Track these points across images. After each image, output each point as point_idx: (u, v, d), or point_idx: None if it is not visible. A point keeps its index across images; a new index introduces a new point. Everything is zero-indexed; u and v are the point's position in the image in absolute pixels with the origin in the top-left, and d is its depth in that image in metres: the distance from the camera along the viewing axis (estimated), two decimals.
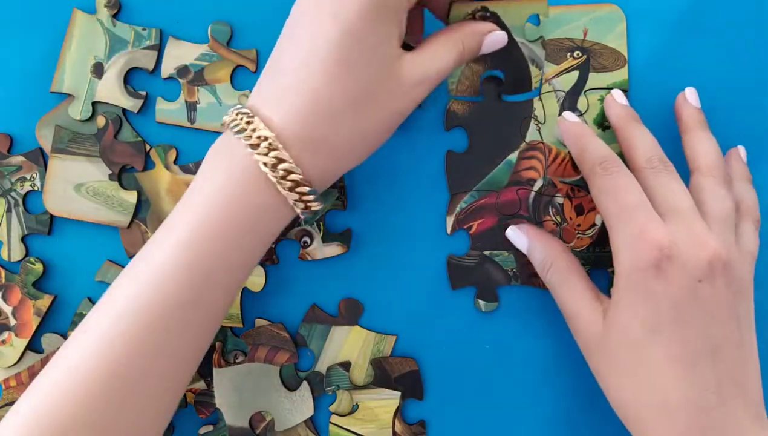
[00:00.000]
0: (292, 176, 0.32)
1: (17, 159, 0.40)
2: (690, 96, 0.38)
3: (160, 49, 0.41)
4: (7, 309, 0.40)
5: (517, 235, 0.39)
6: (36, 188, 0.40)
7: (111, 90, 0.40)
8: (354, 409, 0.39)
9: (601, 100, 0.40)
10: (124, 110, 0.41)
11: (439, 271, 0.40)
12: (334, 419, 0.40)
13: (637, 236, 0.33)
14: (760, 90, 0.40)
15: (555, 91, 0.40)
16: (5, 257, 0.40)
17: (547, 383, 0.40)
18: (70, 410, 0.30)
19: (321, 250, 0.40)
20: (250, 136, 0.31)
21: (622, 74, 0.40)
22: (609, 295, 0.35)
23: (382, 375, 0.40)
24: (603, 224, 0.39)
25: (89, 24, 0.41)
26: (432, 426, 0.40)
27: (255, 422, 0.39)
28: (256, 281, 0.40)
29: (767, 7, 0.40)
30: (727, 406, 0.31)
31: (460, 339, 0.40)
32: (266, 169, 0.31)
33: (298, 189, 0.32)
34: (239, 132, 0.32)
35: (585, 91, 0.40)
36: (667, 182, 0.35)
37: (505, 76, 0.40)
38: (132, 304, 0.31)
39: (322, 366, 0.40)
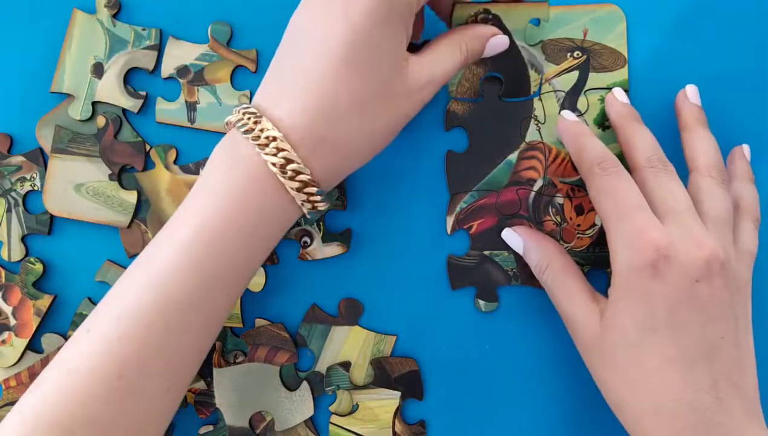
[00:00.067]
0: (301, 177, 0.32)
1: (17, 159, 0.40)
2: (691, 93, 0.38)
3: (160, 49, 0.41)
4: (7, 309, 0.40)
5: (512, 236, 0.39)
6: (36, 188, 0.40)
7: (111, 90, 0.40)
8: (354, 409, 0.40)
9: (601, 100, 0.40)
10: (124, 110, 0.41)
11: (439, 271, 0.40)
12: (334, 419, 0.40)
13: (634, 236, 0.33)
14: (760, 90, 0.40)
15: (555, 91, 0.40)
16: (5, 257, 0.40)
17: (547, 383, 0.40)
18: (71, 409, 0.30)
19: (321, 250, 0.40)
20: (258, 137, 0.31)
21: (622, 74, 0.40)
22: (607, 295, 0.35)
23: (382, 375, 0.40)
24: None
25: (89, 24, 0.41)
26: (432, 426, 0.40)
27: (255, 422, 0.39)
28: (256, 280, 0.40)
29: (767, 7, 0.40)
30: (724, 406, 0.31)
31: (460, 339, 0.40)
32: (275, 170, 0.31)
33: (306, 189, 0.32)
34: (247, 132, 0.32)
35: (585, 91, 0.40)
36: (666, 183, 0.35)
37: (505, 79, 0.40)
38: (133, 305, 0.31)
39: (322, 366, 0.40)
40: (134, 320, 0.31)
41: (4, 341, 0.39)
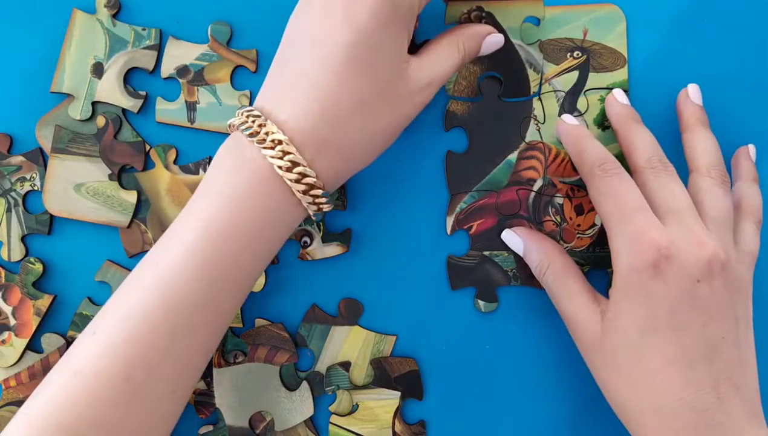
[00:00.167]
0: (307, 179, 0.32)
1: (17, 159, 0.41)
2: (692, 93, 0.38)
3: (159, 49, 0.41)
4: (7, 309, 0.40)
5: (512, 237, 0.39)
6: (36, 188, 0.40)
7: (111, 90, 0.40)
8: (354, 409, 0.40)
9: (601, 100, 0.40)
10: (124, 110, 0.41)
11: (439, 271, 0.40)
12: (333, 419, 0.40)
13: (635, 237, 0.33)
14: (760, 90, 0.40)
15: (555, 91, 0.40)
16: (5, 257, 0.40)
17: (547, 383, 0.40)
18: (77, 411, 0.30)
19: (321, 250, 0.40)
20: (264, 140, 0.31)
21: (621, 74, 0.40)
22: (608, 295, 0.35)
23: (381, 375, 0.40)
24: (603, 224, 0.39)
25: (89, 24, 0.41)
26: (432, 426, 0.40)
27: (255, 422, 0.39)
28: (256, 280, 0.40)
29: (767, 7, 0.40)
30: (725, 406, 0.31)
31: (460, 339, 0.40)
32: (281, 173, 0.31)
33: (312, 192, 0.32)
34: (251, 135, 0.32)
35: (585, 91, 0.40)
36: (666, 183, 0.35)
37: (504, 79, 0.40)
38: (139, 307, 0.31)
39: (321, 366, 0.40)
40: (140, 322, 0.31)
41: (3, 341, 0.39)
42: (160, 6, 0.41)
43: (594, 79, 0.40)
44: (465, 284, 0.40)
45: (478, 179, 0.40)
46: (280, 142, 0.31)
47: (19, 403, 0.39)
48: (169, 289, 0.31)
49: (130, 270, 0.40)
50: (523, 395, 0.40)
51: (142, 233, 0.40)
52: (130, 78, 0.41)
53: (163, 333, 0.31)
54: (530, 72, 0.40)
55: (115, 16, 0.41)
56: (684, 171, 0.37)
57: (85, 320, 0.40)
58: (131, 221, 0.40)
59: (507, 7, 0.40)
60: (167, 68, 0.41)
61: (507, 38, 0.40)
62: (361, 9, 0.32)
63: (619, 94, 0.39)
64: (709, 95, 0.39)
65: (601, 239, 0.40)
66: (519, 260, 0.39)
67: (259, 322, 0.40)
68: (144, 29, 0.41)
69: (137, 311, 0.31)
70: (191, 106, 0.40)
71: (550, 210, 0.40)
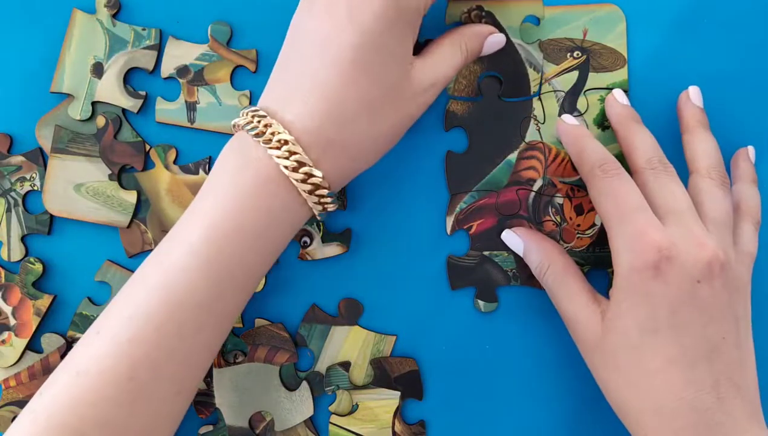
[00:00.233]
0: (313, 180, 0.32)
1: (17, 159, 0.40)
2: (693, 95, 0.38)
3: (159, 49, 0.41)
4: (7, 309, 0.40)
5: (512, 238, 0.39)
6: (36, 188, 0.40)
7: (111, 90, 0.40)
8: (354, 409, 0.39)
9: (601, 100, 0.40)
10: (123, 110, 0.41)
11: (439, 271, 0.40)
12: (333, 419, 0.40)
13: (636, 237, 0.33)
14: (760, 90, 0.40)
15: (555, 91, 0.40)
16: (5, 257, 0.40)
17: (547, 383, 0.40)
18: (82, 411, 0.30)
19: (321, 250, 0.40)
20: (270, 140, 0.31)
21: (621, 74, 0.40)
22: (608, 295, 0.35)
23: (381, 375, 0.40)
24: (603, 224, 0.39)
25: (89, 24, 0.41)
26: (432, 426, 0.40)
27: (255, 422, 0.39)
28: None
29: (767, 7, 0.40)
30: (725, 406, 0.31)
31: (460, 339, 0.40)
32: (287, 173, 0.31)
33: (318, 191, 0.33)
34: (257, 135, 0.32)
35: (585, 91, 0.40)
36: (666, 184, 0.35)
37: (504, 79, 0.40)
38: (144, 306, 0.31)
39: (321, 366, 0.40)
40: (145, 322, 0.31)
41: (3, 341, 0.39)
42: (160, 6, 0.41)
43: (594, 79, 0.40)
44: (465, 284, 0.40)
45: (478, 179, 0.40)
46: (286, 142, 0.31)
47: (19, 403, 0.39)
48: (174, 289, 0.31)
49: (130, 270, 0.40)
50: (523, 395, 0.40)
51: (142, 233, 0.40)
52: (130, 78, 0.41)
53: (168, 333, 0.31)
54: (530, 71, 0.40)
55: (115, 16, 0.41)
56: (684, 172, 0.37)
57: (85, 320, 0.40)
58: (131, 221, 0.40)
59: (507, 6, 0.40)
60: (167, 68, 0.41)
61: (507, 38, 0.40)
62: (366, 10, 0.32)
63: (619, 94, 0.39)
64: (709, 95, 0.39)
65: (601, 239, 0.40)
66: (519, 260, 0.39)
67: (259, 322, 0.40)
68: (144, 29, 0.41)
69: (142, 310, 0.31)
70: (191, 106, 0.40)
71: (550, 210, 0.40)
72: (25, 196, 0.40)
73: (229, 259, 0.32)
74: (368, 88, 0.32)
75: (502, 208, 0.40)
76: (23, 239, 0.40)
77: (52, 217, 0.40)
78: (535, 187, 0.40)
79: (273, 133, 0.31)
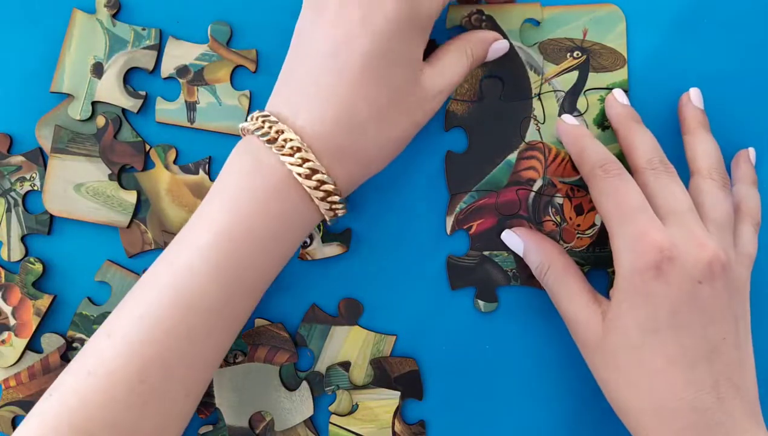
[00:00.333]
0: (325, 186, 0.32)
1: (17, 159, 0.40)
2: (694, 97, 0.38)
3: (159, 49, 0.41)
4: (7, 309, 0.40)
5: (512, 238, 0.39)
6: (36, 188, 0.40)
7: (111, 90, 0.40)
8: (354, 409, 0.40)
9: (601, 100, 0.40)
10: (123, 110, 0.41)
11: (439, 271, 0.40)
12: (333, 419, 0.40)
13: (637, 238, 0.33)
14: (760, 90, 0.40)
15: (555, 91, 0.40)
16: (5, 257, 0.40)
17: (547, 383, 0.40)
18: (91, 412, 0.30)
19: (321, 250, 0.40)
20: (282, 146, 0.32)
21: (621, 74, 0.40)
22: (608, 295, 0.35)
23: (381, 375, 0.40)
24: (603, 224, 0.39)
25: (89, 24, 0.41)
26: (432, 426, 0.40)
27: (255, 422, 0.39)
28: None
29: (767, 7, 0.40)
30: (725, 406, 0.31)
31: (460, 339, 0.40)
32: (300, 179, 0.32)
33: (330, 198, 0.33)
34: (269, 141, 0.32)
35: (585, 91, 0.40)
36: (667, 184, 0.35)
37: (505, 81, 0.40)
38: (154, 309, 0.31)
39: (321, 366, 0.40)
40: (156, 325, 0.31)
41: (3, 341, 0.39)
42: (160, 6, 0.41)
43: (594, 79, 0.40)
44: (465, 284, 0.40)
45: (478, 179, 0.40)
46: (299, 149, 0.31)
47: (19, 403, 0.39)
48: (185, 291, 0.31)
49: (130, 270, 0.40)
50: (523, 395, 0.40)
51: (142, 233, 0.40)
52: (129, 78, 0.41)
53: (178, 335, 0.31)
54: (531, 74, 0.40)
55: (115, 16, 0.41)
56: (684, 172, 0.37)
57: (85, 320, 0.40)
58: (131, 221, 0.40)
59: (506, 10, 0.40)
60: (167, 68, 0.41)
61: (507, 40, 0.40)
62: (379, 17, 0.32)
63: (619, 94, 0.39)
64: (709, 96, 0.39)
65: (601, 239, 0.40)
66: (519, 260, 0.39)
67: (259, 322, 0.40)
68: (144, 29, 0.41)
69: (153, 313, 0.31)
70: (191, 106, 0.40)
71: (549, 210, 0.40)
72: (25, 196, 0.40)
73: (240, 263, 0.32)
74: (379, 95, 0.33)
75: (502, 209, 0.40)
76: (23, 238, 0.40)
77: (52, 217, 0.40)
78: (535, 187, 0.40)
79: (286, 140, 0.32)
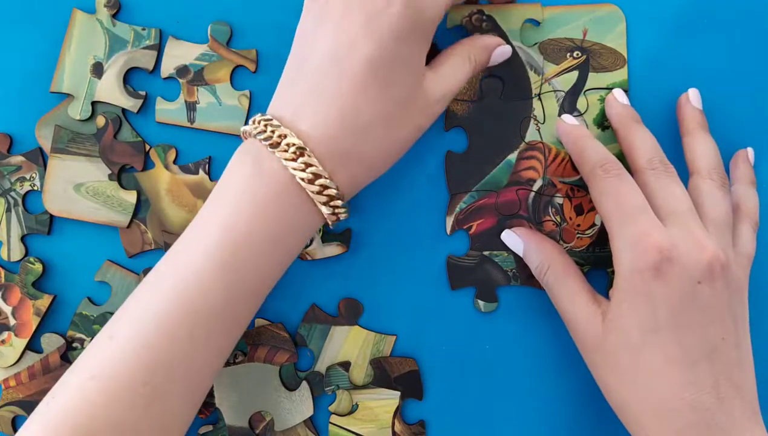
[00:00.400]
0: (328, 191, 0.32)
1: (17, 159, 0.40)
2: (693, 97, 0.38)
3: (159, 48, 0.41)
4: (7, 309, 0.40)
5: (512, 238, 0.39)
6: (36, 188, 0.40)
7: (110, 90, 0.40)
8: (354, 409, 0.39)
9: (601, 100, 0.40)
10: (123, 110, 0.41)
11: (439, 271, 0.40)
12: (333, 419, 0.40)
13: (637, 238, 0.33)
14: (760, 90, 0.40)
15: (555, 91, 0.40)
16: (5, 256, 0.40)
17: (547, 383, 0.40)
18: (94, 413, 0.30)
19: (321, 250, 0.40)
20: (286, 150, 0.32)
21: (621, 74, 0.40)
22: (607, 295, 0.35)
23: (381, 375, 0.40)
24: (603, 224, 0.39)
25: (89, 24, 0.41)
26: (432, 426, 0.40)
27: (255, 422, 0.39)
28: None
29: (767, 7, 0.40)
30: (725, 406, 0.31)
31: (460, 339, 0.40)
32: (304, 184, 0.32)
33: (333, 203, 0.33)
34: (272, 145, 0.32)
35: (585, 91, 0.40)
36: (667, 184, 0.35)
37: (505, 81, 0.40)
38: (157, 312, 0.31)
39: (321, 366, 0.40)
40: (158, 327, 0.31)
41: (3, 341, 0.39)
42: (160, 6, 0.41)
43: (594, 79, 0.40)
44: (465, 284, 0.40)
45: (477, 179, 0.40)
46: (302, 154, 0.31)
47: (19, 403, 0.39)
48: (188, 295, 0.31)
49: (130, 270, 0.40)
50: (523, 395, 0.40)
51: (142, 232, 0.40)
52: (129, 78, 0.41)
53: (181, 338, 0.31)
54: (531, 74, 0.40)
55: (114, 16, 0.41)
56: (684, 172, 0.37)
57: (85, 320, 0.40)
58: (131, 221, 0.40)
59: (507, 10, 0.40)
60: (167, 68, 0.41)
61: (507, 41, 0.40)
62: (383, 23, 0.32)
63: (619, 94, 0.39)
64: (709, 96, 0.39)
65: (601, 239, 0.40)
66: (519, 260, 0.39)
67: (259, 322, 0.40)
68: (144, 29, 0.41)
69: (155, 316, 0.31)
70: (191, 106, 0.40)
71: (549, 210, 0.40)
72: (25, 196, 0.40)
73: (242, 266, 0.32)
74: (383, 100, 0.33)
75: (502, 209, 0.40)
76: (23, 238, 0.40)
77: (52, 217, 0.40)
78: (535, 187, 0.40)
79: (289, 145, 0.32)
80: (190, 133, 0.41)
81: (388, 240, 0.40)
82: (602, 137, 0.40)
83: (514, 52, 0.40)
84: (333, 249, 0.40)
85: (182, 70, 0.41)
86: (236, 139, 0.40)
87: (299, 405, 0.39)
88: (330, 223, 0.34)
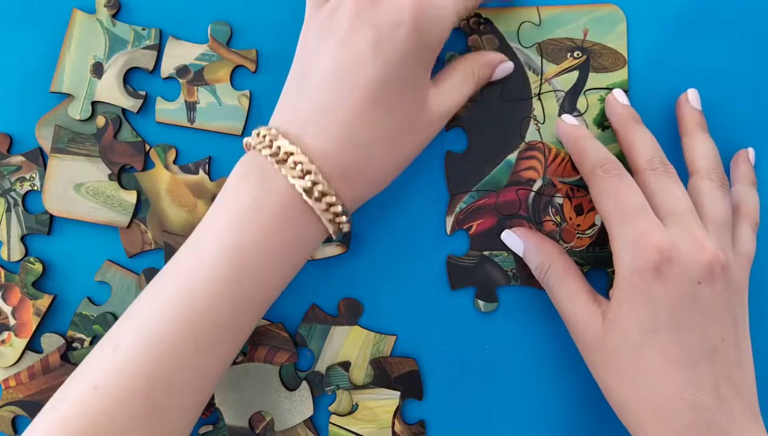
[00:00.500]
0: (334, 208, 0.33)
1: (17, 159, 0.40)
2: (692, 98, 0.38)
3: (159, 48, 0.41)
4: (7, 309, 0.40)
5: (512, 238, 0.39)
6: (36, 188, 0.40)
7: (110, 90, 0.40)
8: (354, 409, 0.40)
9: (601, 100, 0.40)
10: (123, 110, 0.41)
11: (439, 271, 0.40)
12: (333, 419, 0.40)
13: (637, 238, 0.33)
14: (760, 90, 0.40)
15: (555, 91, 0.40)
16: (5, 256, 0.40)
17: (547, 383, 0.40)
18: (97, 419, 0.30)
19: (321, 250, 0.40)
20: (293, 168, 0.32)
21: (621, 74, 0.40)
22: (607, 295, 0.35)
23: (381, 375, 0.40)
24: (603, 224, 0.39)
25: (89, 24, 0.41)
26: (431, 426, 0.40)
27: (255, 421, 0.39)
28: None
29: (767, 7, 0.40)
30: (725, 407, 0.31)
31: (460, 339, 0.40)
32: (311, 203, 0.32)
33: (338, 219, 0.33)
34: (279, 162, 0.32)
35: (585, 91, 0.40)
36: (667, 185, 0.35)
37: (505, 82, 0.40)
38: (161, 323, 0.31)
39: (321, 366, 0.40)
40: (162, 339, 0.31)
41: (3, 341, 0.39)
42: (160, 6, 0.41)
43: (594, 80, 0.40)
44: (465, 284, 0.40)
45: (477, 179, 0.40)
46: (309, 172, 0.32)
47: (18, 403, 0.39)
48: (192, 306, 0.31)
49: (130, 270, 0.40)
50: (523, 395, 0.40)
51: (142, 232, 0.40)
52: (129, 78, 0.41)
53: (185, 349, 0.31)
54: (530, 74, 0.40)
55: (114, 16, 0.41)
56: (683, 172, 0.37)
57: (85, 320, 0.40)
58: (131, 221, 0.40)
59: (504, 13, 0.40)
60: (167, 68, 0.41)
61: (505, 43, 0.40)
62: (390, 47, 0.32)
63: (619, 94, 0.39)
64: (709, 96, 0.39)
65: (600, 239, 0.40)
66: (519, 260, 0.39)
67: (259, 322, 0.40)
68: (144, 29, 0.41)
69: (159, 327, 0.31)
70: (191, 106, 0.40)
71: (549, 210, 0.40)
72: (24, 196, 0.40)
73: (249, 279, 0.32)
74: (388, 121, 0.33)
75: (502, 209, 0.40)
76: (23, 238, 0.40)
77: (51, 217, 0.40)
78: (535, 187, 0.40)
79: (296, 163, 0.32)
80: (190, 133, 0.41)
81: (388, 240, 0.40)
82: (602, 137, 0.40)
83: (513, 55, 0.40)
84: (333, 249, 0.40)
85: (182, 70, 0.41)
86: (236, 139, 0.40)
87: (299, 405, 0.39)
88: (333, 236, 0.34)
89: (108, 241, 0.40)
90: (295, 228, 0.33)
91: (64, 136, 0.40)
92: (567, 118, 0.38)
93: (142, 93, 0.41)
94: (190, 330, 0.31)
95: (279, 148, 0.32)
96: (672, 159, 0.36)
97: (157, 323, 0.31)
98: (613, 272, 0.36)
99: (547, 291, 0.37)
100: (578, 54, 0.40)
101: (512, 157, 0.40)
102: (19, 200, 0.40)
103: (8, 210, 0.40)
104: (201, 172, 0.40)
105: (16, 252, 0.40)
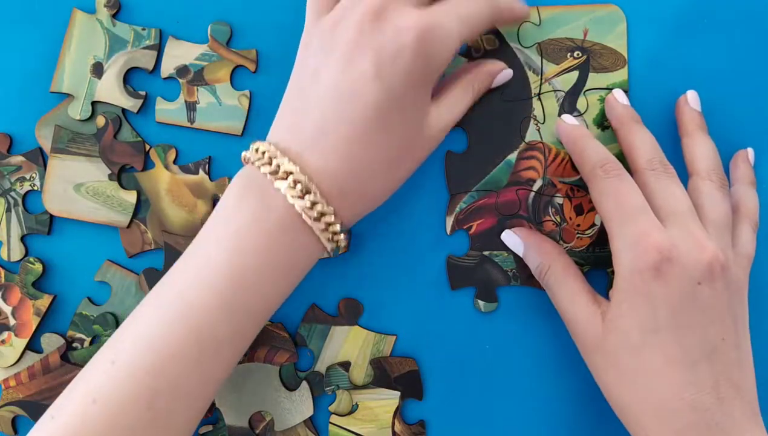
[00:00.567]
0: (333, 228, 0.33)
1: (17, 159, 0.40)
2: (691, 99, 0.38)
3: (159, 48, 0.41)
4: (7, 309, 0.40)
5: (512, 238, 0.39)
6: (36, 188, 0.40)
7: (110, 90, 0.40)
8: (354, 409, 0.40)
9: (601, 100, 0.40)
10: (123, 110, 0.41)
11: (439, 271, 0.40)
12: (333, 419, 0.40)
13: (637, 239, 0.33)
14: (760, 90, 0.40)
15: (555, 91, 0.40)
16: (5, 256, 0.40)
17: (547, 383, 0.40)
18: (97, 430, 0.30)
19: None
20: (293, 187, 0.32)
21: (621, 75, 0.40)
22: (607, 295, 0.36)
23: (381, 375, 0.40)
24: (602, 224, 0.39)
25: (89, 24, 0.41)
26: (431, 426, 0.40)
27: (255, 421, 0.39)
28: None
29: (767, 7, 0.40)
30: (725, 407, 0.31)
31: (460, 339, 0.40)
32: (310, 223, 0.32)
33: (336, 237, 0.33)
34: (278, 180, 0.32)
35: (585, 91, 0.40)
36: (666, 185, 0.35)
37: (504, 83, 0.40)
38: (162, 336, 0.31)
39: (321, 366, 0.40)
40: (162, 352, 0.31)
41: (3, 341, 0.39)
42: (160, 6, 0.41)
43: (594, 80, 0.40)
44: (465, 284, 0.40)
45: (477, 179, 0.40)
46: (308, 191, 0.32)
47: (18, 403, 0.39)
48: (193, 320, 0.31)
49: (130, 270, 0.40)
50: (523, 395, 0.40)
51: (142, 232, 0.40)
52: (129, 78, 0.41)
53: (186, 363, 0.31)
54: (530, 74, 0.40)
55: (114, 16, 0.41)
56: (683, 173, 0.37)
57: (85, 320, 0.40)
58: (131, 221, 0.40)
59: None
60: (167, 68, 0.41)
61: (505, 42, 0.40)
62: (393, 72, 0.32)
63: (619, 94, 0.39)
64: (709, 96, 0.39)
65: (600, 239, 0.40)
66: (519, 260, 0.39)
67: None
68: (144, 29, 0.41)
69: (160, 340, 0.31)
70: (191, 106, 0.40)
71: (549, 210, 0.40)
72: (24, 196, 0.40)
73: (250, 294, 0.32)
74: (388, 142, 0.33)
75: (502, 209, 0.40)
76: (23, 238, 0.40)
77: (51, 217, 0.40)
78: (535, 187, 0.40)
79: (295, 182, 0.32)
80: (190, 133, 0.41)
81: (388, 240, 0.40)
82: (602, 137, 0.40)
83: (513, 55, 0.40)
84: None
85: (182, 70, 0.40)
86: (236, 139, 0.40)
87: (299, 405, 0.39)
88: (330, 254, 0.35)
89: (108, 241, 0.40)
90: (294, 246, 0.33)
91: (64, 136, 0.40)
92: (567, 118, 0.38)
93: (142, 93, 0.41)
94: (190, 345, 0.31)
95: (279, 166, 0.32)
96: (672, 159, 0.36)
97: (157, 338, 0.31)
98: (613, 272, 0.36)
99: (547, 291, 0.37)
100: (578, 54, 0.40)
101: (512, 157, 0.40)
102: (19, 200, 0.40)
103: (8, 210, 0.40)
104: (201, 172, 0.40)
105: (16, 252, 0.40)
